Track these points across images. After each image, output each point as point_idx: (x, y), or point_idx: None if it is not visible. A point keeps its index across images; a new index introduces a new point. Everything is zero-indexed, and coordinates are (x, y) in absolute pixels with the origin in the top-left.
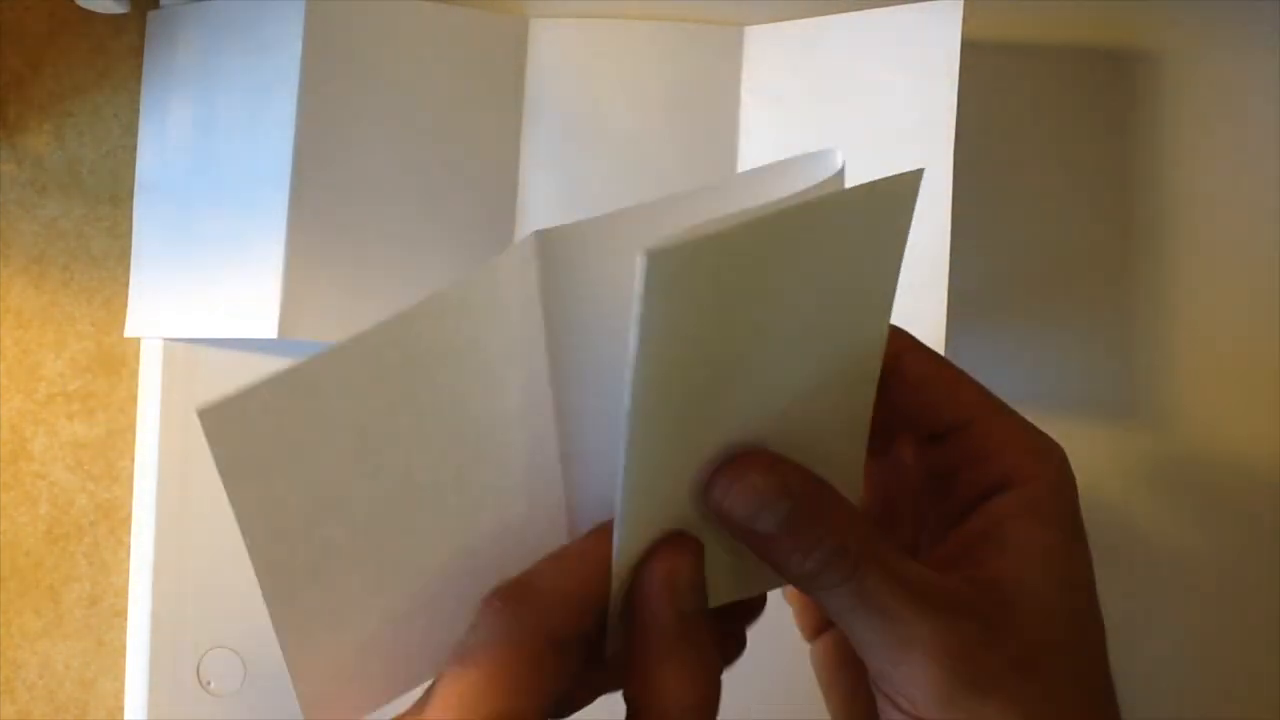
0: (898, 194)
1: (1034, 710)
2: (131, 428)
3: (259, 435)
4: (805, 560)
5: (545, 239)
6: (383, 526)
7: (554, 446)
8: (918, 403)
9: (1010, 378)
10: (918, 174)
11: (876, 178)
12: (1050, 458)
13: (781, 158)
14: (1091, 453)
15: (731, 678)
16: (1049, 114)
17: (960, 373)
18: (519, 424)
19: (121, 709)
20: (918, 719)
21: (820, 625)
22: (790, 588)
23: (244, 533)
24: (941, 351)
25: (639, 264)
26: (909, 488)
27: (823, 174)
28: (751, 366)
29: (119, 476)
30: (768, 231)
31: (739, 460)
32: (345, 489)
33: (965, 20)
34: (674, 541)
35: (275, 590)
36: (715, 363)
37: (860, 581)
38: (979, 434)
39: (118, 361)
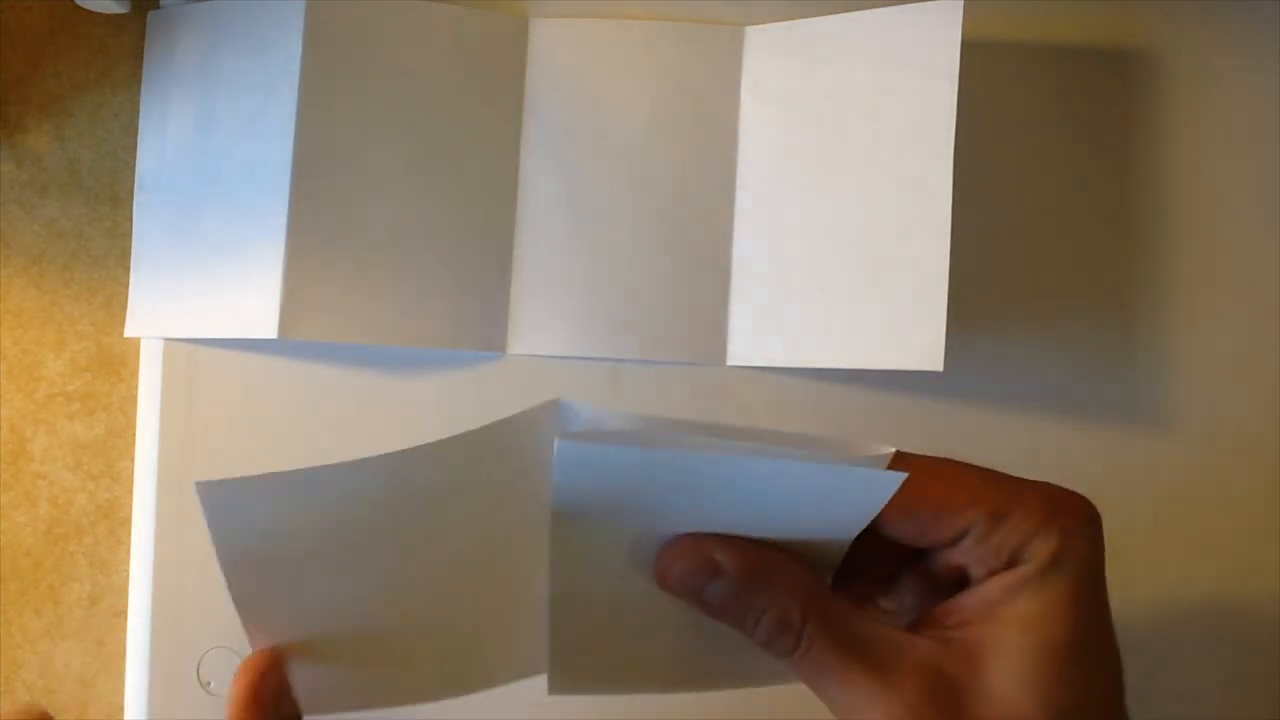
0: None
1: None
2: (131, 428)
3: (254, 520)
4: (755, 630)
5: (562, 442)
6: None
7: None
8: (911, 534)
9: (1011, 378)
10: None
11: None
12: (1061, 522)
13: (781, 159)
14: (1092, 453)
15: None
16: (1049, 114)
17: (954, 473)
18: (504, 556)
19: (121, 709)
20: None
21: None
22: None
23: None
24: (940, 353)
25: None
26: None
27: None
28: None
29: (119, 476)
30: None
31: (678, 540)
32: (326, 585)
33: (965, 20)
34: None
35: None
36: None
37: (808, 650)
38: (976, 537)
39: (118, 361)
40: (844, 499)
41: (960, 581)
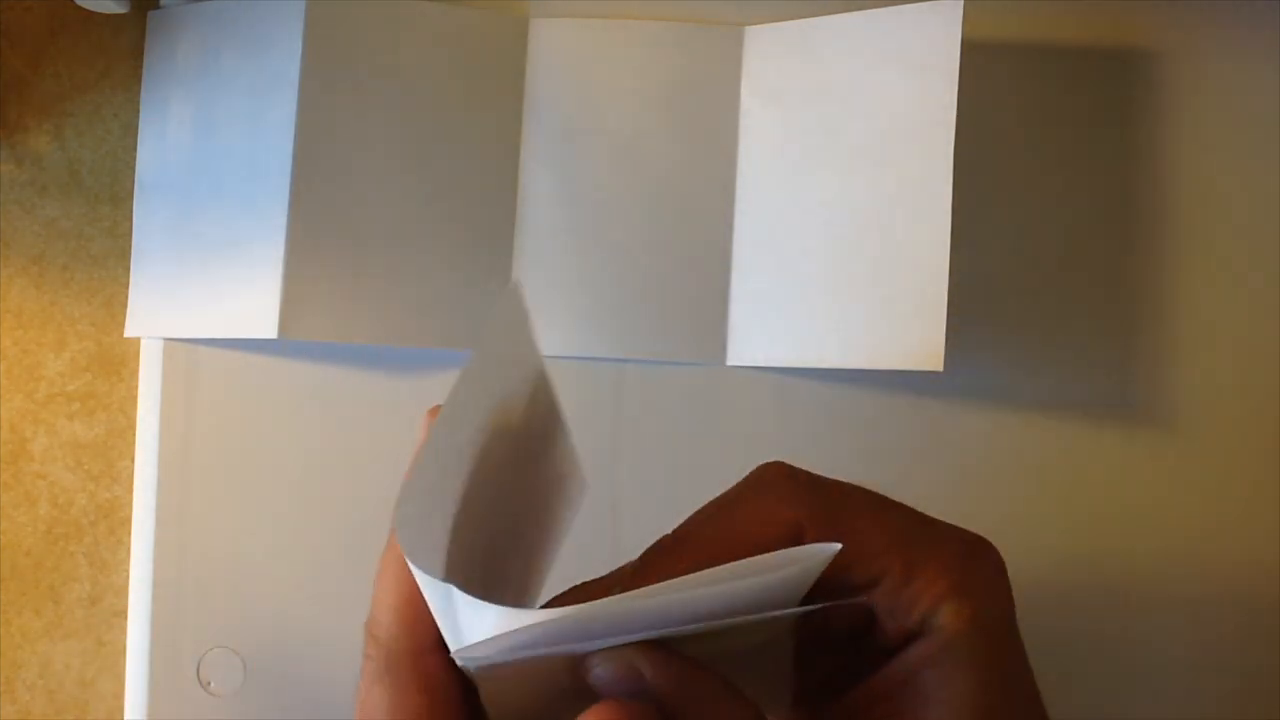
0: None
1: None
2: (131, 428)
3: None
4: None
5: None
6: None
7: None
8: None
9: (1011, 377)
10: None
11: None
12: (975, 581)
13: (781, 159)
14: (1092, 453)
15: None
16: (1049, 114)
17: (880, 508)
18: None
19: (121, 709)
20: None
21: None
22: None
23: None
24: (940, 352)
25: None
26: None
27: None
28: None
29: (119, 476)
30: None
31: (620, 648)
32: None
33: (965, 20)
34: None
35: None
36: None
37: None
38: (890, 586)
39: (118, 361)
40: (783, 597)
41: (860, 632)
